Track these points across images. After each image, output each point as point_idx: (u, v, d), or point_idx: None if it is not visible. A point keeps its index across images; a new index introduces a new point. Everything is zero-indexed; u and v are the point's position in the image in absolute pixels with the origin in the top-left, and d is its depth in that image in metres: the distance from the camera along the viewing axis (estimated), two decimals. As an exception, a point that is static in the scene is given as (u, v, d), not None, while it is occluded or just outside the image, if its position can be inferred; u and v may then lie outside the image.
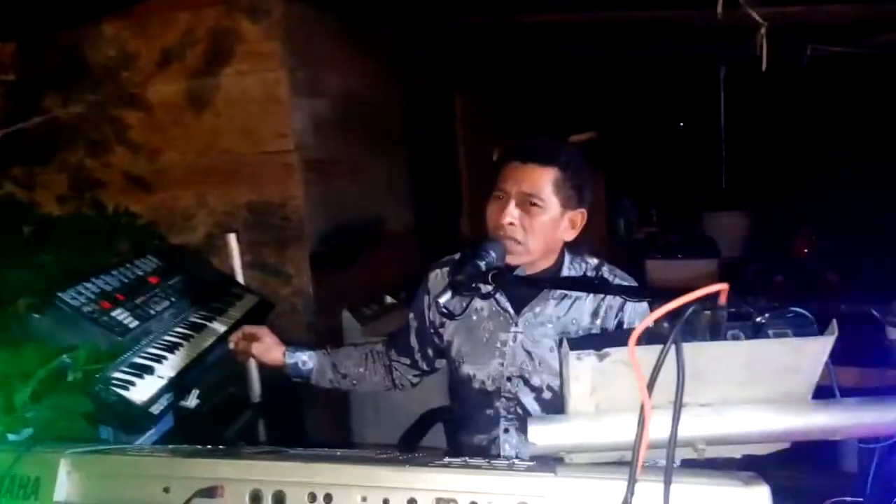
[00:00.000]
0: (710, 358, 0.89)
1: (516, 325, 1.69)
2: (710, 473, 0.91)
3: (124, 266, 2.05)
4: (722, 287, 0.83)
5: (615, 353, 0.88)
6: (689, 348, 0.86)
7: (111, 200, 3.27)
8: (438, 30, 4.43)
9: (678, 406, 0.82)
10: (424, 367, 1.92)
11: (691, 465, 1.00)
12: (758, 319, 0.88)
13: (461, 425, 1.83)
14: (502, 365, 1.70)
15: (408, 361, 1.91)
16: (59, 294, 1.70)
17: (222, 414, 2.55)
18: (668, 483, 0.83)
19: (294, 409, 3.07)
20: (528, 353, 1.68)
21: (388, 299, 3.93)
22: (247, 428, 2.64)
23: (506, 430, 1.74)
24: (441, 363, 1.92)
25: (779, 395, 0.92)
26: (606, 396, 0.94)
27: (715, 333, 0.89)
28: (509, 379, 1.70)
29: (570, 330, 1.66)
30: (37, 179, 3.62)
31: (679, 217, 7.38)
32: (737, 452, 1.00)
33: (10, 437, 1.27)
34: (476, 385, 1.74)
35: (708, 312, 0.86)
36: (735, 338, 0.88)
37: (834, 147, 5.86)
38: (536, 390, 1.68)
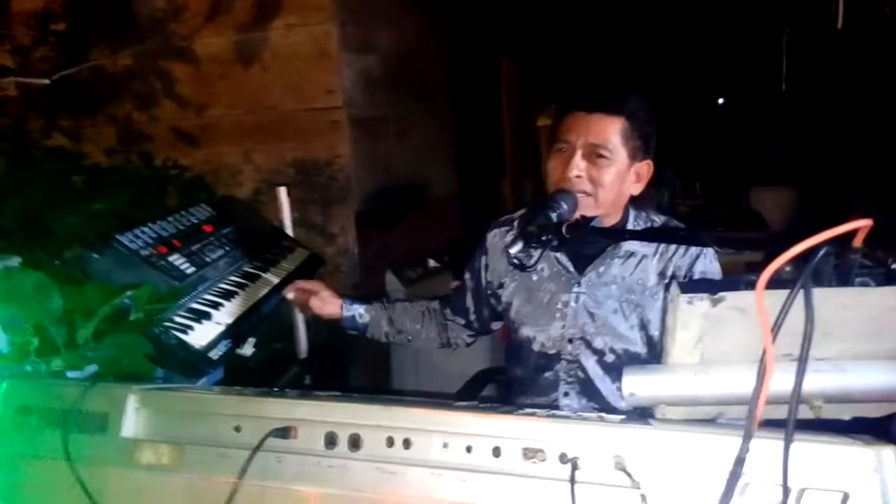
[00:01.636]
0: (835, 307, 0.81)
1: (579, 284, 1.63)
2: (828, 434, 0.83)
3: (179, 213, 2.02)
4: (865, 223, 0.75)
5: (731, 297, 0.81)
6: (815, 295, 0.78)
7: (158, 154, 3.26)
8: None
9: (805, 355, 0.74)
10: (479, 328, 1.88)
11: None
12: (892, 266, 0.79)
13: (518, 388, 1.79)
14: (563, 327, 1.64)
15: (463, 322, 1.87)
16: (118, 237, 1.68)
17: (269, 369, 2.55)
18: (788, 439, 0.76)
19: (338, 367, 3.05)
20: (591, 315, 1.61)
21: (432, 262, 3.88)
22: (292, 384, 2.63)
23: (566, 394, 1.68)
24: (496, 325, 1.87)
25: (907, 351, 0.85)
26: (713, 346, 0.86)
27: (843, 280, 0.81)
28: (570, 341, 1.64)
29: (636, 291, 1.58)
30: (84, 132, 3.62)
31: (725, 190, 7.17)
32: (847, 413, 0.92)
33: (74, 374, 1.25)
34: (536, 347, 1.69)
35: (838, 256, 0.78)
36: (864, 285, 0.80)
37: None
38: (598, 353, 1.62)
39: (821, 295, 0.79)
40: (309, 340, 2.67)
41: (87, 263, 1.57)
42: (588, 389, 1.64)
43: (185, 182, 2.99)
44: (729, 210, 6.44)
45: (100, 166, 3.07)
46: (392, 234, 3.69)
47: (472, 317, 1.85)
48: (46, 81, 2.40)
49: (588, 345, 1.63)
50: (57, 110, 3.56)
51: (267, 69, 3.38)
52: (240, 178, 3.51)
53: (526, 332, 1.70)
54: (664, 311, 0.91)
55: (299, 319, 2.62)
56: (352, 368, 3.29)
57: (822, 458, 0.80)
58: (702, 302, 0.81)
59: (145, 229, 1.79)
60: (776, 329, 0.75)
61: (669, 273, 1.59)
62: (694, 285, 0.81)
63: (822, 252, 0.74)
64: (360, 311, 1.84)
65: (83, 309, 1.24)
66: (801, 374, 0.75)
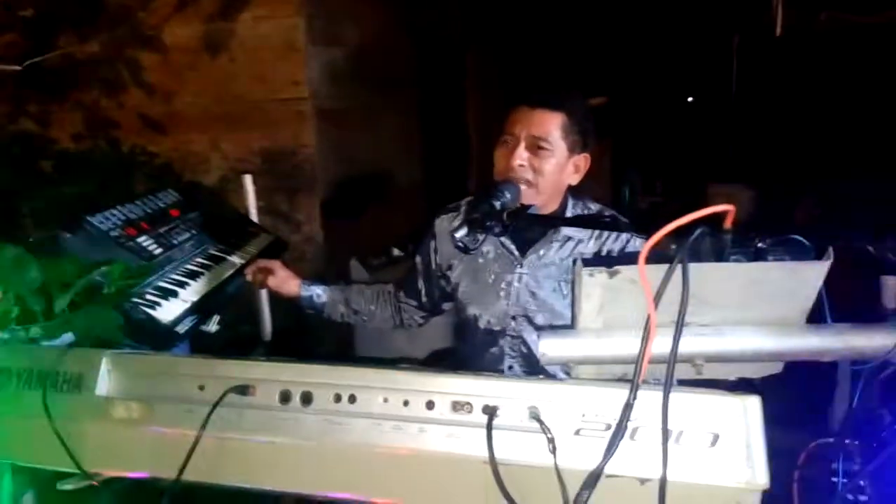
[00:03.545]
0: (713, 280, 0.96)
1: (521, 266, 1.76)
2: (705, 388, 0.99)
3: (146, 198, 2.11)
4: (728, 208, 0.90)
5: (625, 270, 0.95)
6: (694, 269, 0.93)
7: (125, 141, 3.32)
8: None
9: (681, 320, 0.89)
10: (430, 309, 2.00)
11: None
12: (759, 245, 0.95)
13: (467, 364, 1.91)
14: (507, 305, 1.77)
15: (415, 303, 1.98)
16: (89, 218, 1.77)
17: (235, 350, 2.64)
18: (667, 388, 0.90)
19: (302, 349, 3.16)
20: (532, 294, 1.75)
21: (396, 251, 3.99)
22: (257, 363, 2.72)
23: (510, 367, 1.82)
24: (447, 306, 1.99)
25: (775, 318, 1.00)
26: (614, 314, 1.01)
27: (718, 256, 0.96)
28: (514, 318, 1.77)
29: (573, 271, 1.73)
30: (52, 117, 3.65)
31: (684, 188, 7.39)
32: (732, 374, 1.08)
33: (50, 342, 1.35)
34: (482, 325, 1.82)
35: (712, 236, 0.92)
36: (737, 261, 0.95)
37: (844, 118, 5.85)
38: (540, 328, 1.75)
39: (700, 269, 0.94)
40: (273, 323, 2.77)
41: (60, 242, 1.66)
42: (530, 362, 1.78)
43: (152, 168, 3.06)
44: (686, 208, 6.65)
45: (69, 152, 3.13)
46: (357, 223, 3.79)
47: (424, 298, 1.97)
48: (17, 68, 2.46)
49: (530, 321, 1.76)
50: (24, 95, 3.59)
51: (234, 60, 3.45)
52: (207, 166, 3.58)
53: (472, 310, 1.83)
54: (572, 284, 1.05)
55: (264, 302, 2.71)
56: (316, 350, 3.39)
57: (697, 405, 0.96)
58: (601, 275, 0.96)
59: (114, 212, 1.88)
60: (658, 297, 0.90)
61: (604, 255, 1.74)
62: (595, 261, 0.95)
63: (696, 232, 0.89)
64: (317, 292, 1.95)
65: (60, 282, 1.34)
66: (677, 335, 0.90)
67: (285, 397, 1.09)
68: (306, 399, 1.08)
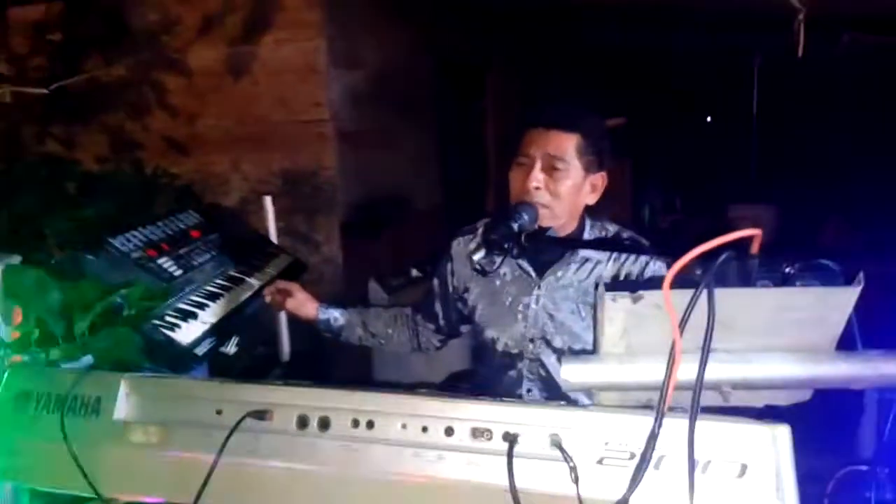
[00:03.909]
0: (739, 305, 0.94)
1: (539, 287, 1.74)
2: (732, 416, 0.96)
3: (167, 219, 2.12)
4: (755, 232, 0.88)
5: (649, 296, 0.93)
6: (720, 294, 0.90)
7: (149, 163, 3.37)
8: (474, 8, 4.45)
9: (707, 345, 0.87)
10: (448, 332, 1.98)
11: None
12: (787, 270, 0.92)
13: (485, 387, 1.89)
14: (525, 327, 1.75)
15: (433, 326, 1.97)
16: (110, 240, 1.79)
17: (253, 371, 2.64)
18: (693, 417, 0.88)
19: (320, 370, 3.15)
20: (550, 316, 1.73)
21: (414, 272, 3.99)
22: (275, 385, 2.72)
23: (528, 391, 1.79)
24: (465, 329, 1.97)
25: (804, 345, 0.97)
26: (637, 339, 0.99)
27: (745, 281, 0.93)
28: (531, 341, 1.75)
29: (591, 293, 1.70)
30: (77, 139, 3.72)
31: (704, 207, 7.35)
32: (759, 401, 1.05)
33: (71, 364, 1.35)
34: (500, 348, 1.80)
35: (739, 261, 0.90)
36: (764, 286, 0.93)
37: (865, 140, 5.80)
38: (558, 351, 1.73)
39: (725, 294, 0.92)
40: (291, 344, 2.77)
41: (81, 264, 1.67)
42: (549, 385, 1.75)
43: (174, 190, 3.10)
44: (706, 227, 6.62)
45: (92, 173, 3.17)
46: (376, 244, 3.80)
47: (442, 321, 1.95)
48: (45, 91, 2.51)
49: (548, 344, 1.74)
50: (51, 118, 3.66)
51: (256, 82, 3.51)
52: (227, 187, 3.62)
53: (490, 333, 1.81)
54: (594, 308, 1.03)
55: (283, 324, 2.72)
56: (335, 371, 3.39)
57: (724, 434, 0.93)
58: (624, 300, 0.94)
59: (135, 233, 1.89)
60: (683, 323, 0.88)
61: (622, 277, 1.72)
62: (618, 285, 0.93)
63: (722, 257, 0.87)
64: (335, 315, 1.94)
65: (80, 304, 1.35)
66: (703, 362, 0.87)
67: (303, 422, 1.08)
68: (324, 424, 1.07)
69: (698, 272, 0.92)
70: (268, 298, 1.97)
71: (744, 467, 0.91)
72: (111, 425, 1.14)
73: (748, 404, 1.05)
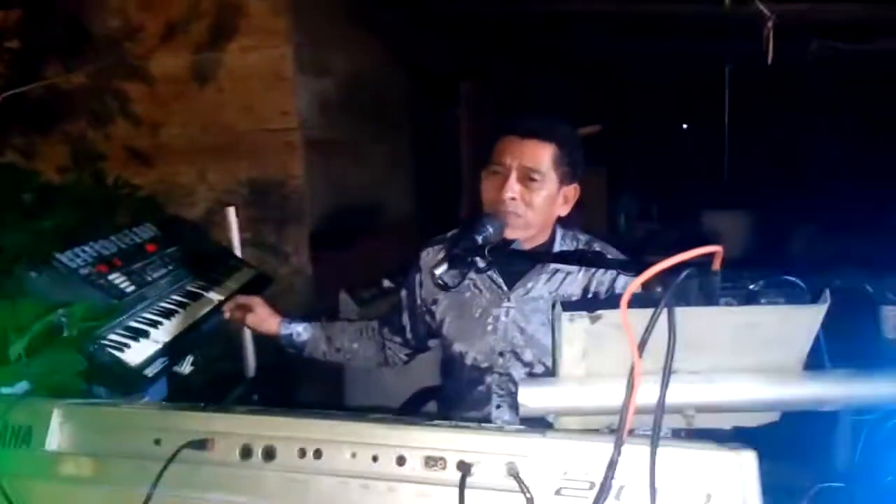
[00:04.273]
0: (702, 324, 0.89)
1: (508, 300, 1.70)
2: (697, 440, 0.91)
3: (122, 233, 2.04)
4: (715, 249, 0.83)
5: (608, 315, 0.89)
6: (682, 313, 0.86)
7: (112, 173, 3.27)
8: (446, 15, 4.42)
9: (668, 368, 0.82)
10: (416, 346, 1.93)
11: (677, 437, 1.01)
12: (751, 287, 0.88)
13: (454, 403, 1.84)
14: (494, 340, 1.71)
15: (399, 340, 1.92)
16: (57, 255, 1.70)
17: (216, 387, 2.56)
18: (654, 445, 0.83)
19: (288, 386, 3.07)
20: (520, 329, 1.68)
21: (386, 283, 3.93)
22: (240, 402, 2.64)
23: (498, 406, 1.74)
24: (433, 343, 1.92)
25: (770, 365, 0.93)
26: (598, 361, 0.94)
27: (708, 300, 0.89)
28: (501, 354, 1.71)
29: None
30: (37, 149, 3.60)
31: (680, 215, 7.38)
32: (727, 423, 1.00)
33: (5, 390, 1.27)
34: (468, 362, 1.75)
35: (701, 278, 0.86)
36: (728, 304, 0.88)
37: (836, 146, 5.86)
38: (528, 365, 1.68)
39: (687, 313, 0.87)
40: (257, 359, 2.69)
41: (25, 282, 1.59)
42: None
43: (135, 201, 3.01)
44: (681, 235, 6.63)
45: (50, 184, 3.07)
46: (346, 255, 3.73)
47: (409, 335, 1.90)
48: (-8, 99, 2.41)
49: (518, 357, 1.69)
50: (9, 127, 3.54)
51: (222, 90, 3.42)
52: (194, 198, 3.52)
53: (458, 347, 1.76)
54: (552, 328, 0.98)
55: (248, 338, 2.64)
56: (303, 386, 3.31)
57: (688, 461, 0.88)
58: (582, 320, 0.89)
59: (86, 248, 1.81)
60: (643, 344, 0.83)
61: (593, 288, 1.68)
62: (576, 305, 0.88)
63: (682, 274, 0.82)
64: (297, 330, 1.88)
65: (15, 325, 1.27)
66: (664, 384, 0.83)
67: (246, 452, 1.02)
68: (269, 454, 1.01)
69: (659, 289, 0.87)
70: (227, 315, 1.90)
71: (708, 497, 0.86)
72: (42, 457, 1.07)
73: (714, 427, 1.01)
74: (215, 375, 2.68)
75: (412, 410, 2.10)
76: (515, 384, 1.69)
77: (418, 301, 1.85)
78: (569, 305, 0.90)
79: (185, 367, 1.81)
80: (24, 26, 3.49)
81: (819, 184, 5.79)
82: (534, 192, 1.61)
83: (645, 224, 7.47)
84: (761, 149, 6.44)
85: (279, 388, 2.91)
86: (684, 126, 8.09)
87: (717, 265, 0.86)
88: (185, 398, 1.93)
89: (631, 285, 0.81)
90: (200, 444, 1.02)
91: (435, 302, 1.81)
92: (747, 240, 6.82)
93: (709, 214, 7.19)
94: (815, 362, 0.94)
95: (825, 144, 5.83)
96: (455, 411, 1.81)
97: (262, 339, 2.41)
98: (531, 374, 1.67)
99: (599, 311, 0.88)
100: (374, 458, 0.98)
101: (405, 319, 1.89)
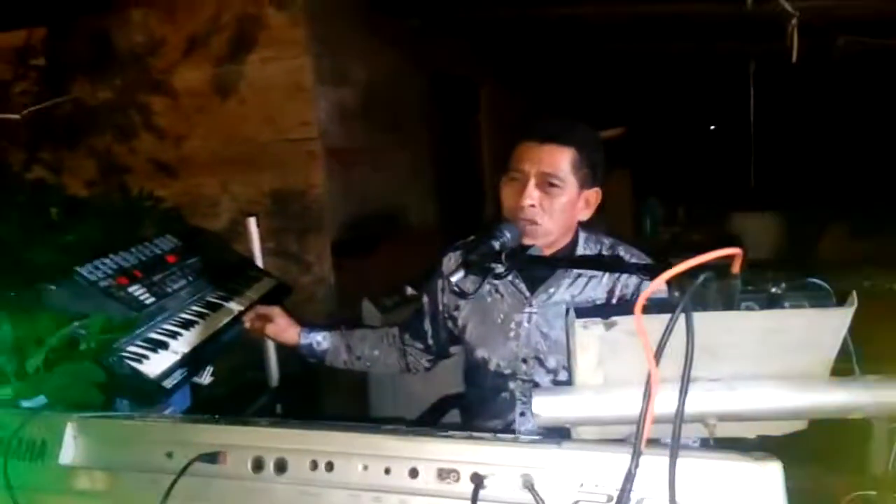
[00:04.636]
0: (723, 330, 0.86)
1: (531, 305, 1.67)
2: (719, 450, 0.88)
3: (143, 245, 2.06)
4: (735, 251, 0.80)
5: (623, 321, 0.85)
6: (700, 319, 0.83)
7: (137, 186, 3.31)
8: (465, 21, 4.41)
9: (686, 375, 0.79)
10: (437, 352, 1.90)
11: (706, 446, 0.97)
12: (773, 290, 0.84)
13: (477, 410, 1.81)
14: (517, 346, 1.68)
15: (421, 346, 1.90)
16: (77, 268, 1.72)
17: (239, 397, 2.57)
18: (673, 456, 0.80)
19: (312, 395, 3.07)
20: (543, 335, 1.65)
21: (409, 290, 3.91)
22: (263, 412, 2.65)
23: (521, 414, 1.71)
24: (455, 349, 1.90)
25: (795, 371, 0.89)
26: (615, 369, 0.91)
27: (728, 304, 0.85)
28: (524, 361, 1.67)
29: None
30: (65, 164, 3.67)
31: (706, 217, 7.26)
32: (750, 432, 0.96)
33: (24, 403, 1.28)
34: (491, 368, 1.72)
35: (721, 281, 0.83)
36: (749, 309, 0.85)
37: (865, 143, 5.71)
38: (552, 372, 1.65)
39: (706, 318, 0.84)
40: (280, 368, 2.69)
41: (44, 295, 1.60)
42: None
43: (159, 213, 3.04)
44: (708, 237, 6.53)
45: (75, 198, 3.11)
46: (368, 263, 3.72)
47: (431, 341, 1.88)
48: (17, 117, 2.45)
49: (541, 363, 1.66)
50: (38, 143, 3.61)
51: (243, 102, 3.45)
52: (217, 209, 3.55)
53: (481, 353, 1.73)
54: (567, 336, 0.95)
55: (270, 348, 2.64)
56: (329, 396, 3.30)
57: (709, 473, 0.84)
58: (596, 327, 0.86)
59: (106, 260, 1.82)
60: (659, 351, 0.80)
61: (618, 292, 1.64)
62: (591, 311, 0.85)
63: (700, 278, 0.79)
64: (317, 339, 1.87)
65: (34, 338, 1.28)
66: (683, 392, 0.79)
67: (258, 465, 1.00)
68: (280, 467, 0.99)
69: (677, 295, 0.84)
70: (247, 325, 1.90)
71: (732, 510, 0.83)
72: (56, 471, 1.07)
73: (737, 436, 0.97)
74: (239, 385, 2.68)
75: (433, 419, 2.08)
76: (540, 391, 1.67)
77: (440, 307, 1.83)
78: (583, 312, 0.87)
79: (205, 378, 1.81)
80: (50, 44, 3.56)
81: (849, 183, 5.66)
82: (554, 198, 1.58)
83: (671, 227, 7.36)
84: (789, 148, 6.31)
85: (303, 398, 2.90)
86: (711, 127, 7.98)
87: (736, 268, 0.82)
88: (208, 409, 1.94)
89: (645, 291, 0.78)
90: (212, 458, 1.01)
91: (457, 308, 1.79)
92: (776, 242, 6.68)
93: (736, 216, 7.07)
94: (843, 368, 0.90)
95: (854, 142, 5.69)
96: (478, 419, 1.79)
97: (284, 349, 2.41)
98: (555, 382, 1.64)
99: (614, 318, 0.85)
100: (387, 471, 0.96)
101: (427, 325, 1.87)
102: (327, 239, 3.46)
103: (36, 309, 1.50)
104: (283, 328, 1.86)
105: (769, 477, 0.82)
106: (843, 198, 5.72)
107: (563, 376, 1.64)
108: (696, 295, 0.81)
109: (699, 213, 7.31)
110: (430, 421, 2.06)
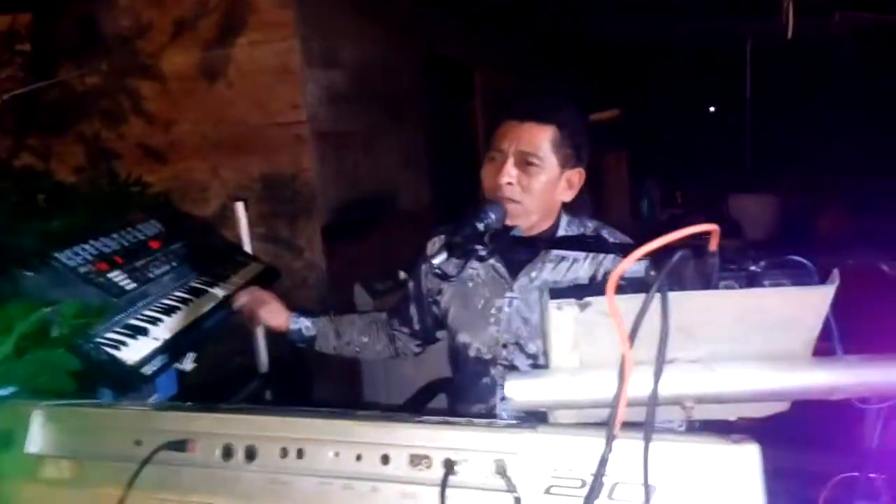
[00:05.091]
0: (701, 309, 0.83)
1: (511, 289, 1.65)
2: (696, 433, 0.85)
3: (125, 230, 2.02)
4: (711, 228, 0.77)
5: (597, 302, 0.83)
6: (677, 298, 0.80)
7: (127, 172, 3.27)
8: (458, 1, 4.35)
9: (661, 356, 0.76)
10: (424, 337, 1.89)
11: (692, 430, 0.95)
12: (752, 268, 0.81)
13: (460, 395, 1.80)
14: (498, 331, 1.66)
15: (408, 331, 1.89)
16: (55, 254, 1.69)
17: (228, 383, 2.55)
18: (647, 439, 0.77)
19: (302, 380, 3.05)
20: (524, 320, 1.63)
21: (402, 275, 3.87)
22: (252, 398, 2.63)
23: (503, 399, 1.69)
24: (441, 334, 1.88)
25: (776, 351, 0.86)
26: (591, 351, 0.88)
27: (705, 283, 0.82)
28: (504, 346, 1.66)
29: None
30: (53, 150, 3.63)
31: (704, 199, 7.22)
32: (731, 414, 0.94)
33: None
34: (472, 353, 1.71)
35: (698, 260, 0.80)
36: (728, 288, 0.82)
37: (862, 122, 5.65)
38: (532, 357, 1.63)
39: (683, 298, 0.81)
40: (270, 354, 2.67)
41: (20, 282, 1.57)
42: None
43: (147, 198, 3.00)
44: (706, 219, 6.48)
45: (62, 184, 3.08)
46: (361, 247, 3.69)
47: (417, 326, 1.86)
48: (-2, 102, 2.41)
49: (522, 349, 1.64)
50: (25, 130, 3.57)
51: (232, 85, 3.40)
52: (207, 194, 3.52)
53: (462, 338, 1.72)
54: (541, 318, 0.92)
55: (260, 333, 2.62)
56: (319, 382, 3.28)
57: (684, 456, 0.82)
58: (570, 308, 0.83)
59: (86, 246, 1.79)
60: (634, 332, 0.77)
61: (600, 276, 1.61)
62: (566, 292, 0.82)
63: (676, 256, 0.76)
64: (306, 325, 1.85)
65: (3, 327, 1.25)
66: (658, 373, 0.77)
67: (227, 452, 0.98)
68: (250, 454, 0.97)
69: (653, 274, 0.81)
70: (240, 301, 1.85)
71: (708, 493, 0.80)
72: (22, 460, 1.04)
73: (717, 418, 0.94)
74: (228, 372, 2.67)
75: (420, 404, 2.06)
76: (520, 376, 1.64)
77: (424, 291, 1.81)
78: (557, 293, 0.84)
79: (187, 365, 1.78)
80: (36, 28, 3.51)
81: (846, 162, 5.61)
82: (532, 176, 1.56)
83: (669, 209, 7.33)
84: (786, 128, 6.25)
85: (293, 384, 2.89)
86: (711, 109, 7.92)
87: (713, 245, 0.79)
88: (196, 396, 1.92)
89: (616, 269, 0.75)
90: (180, 445, 0.98)
91: (440, 292, 1.77)
92: (774, 223, 6.65)
93: (734, 198, 7.03)
94: (826, 348, 0.87)
95: (851, 120, 5.63)
96: (463, 404, 1.77)
97: (274, 335, 2.39)
98: (535, 367, 1.62)
99: (588, 299, 0.82)
100: (358, 458, 0.93)
101: (413, 310, 1.86)
102: (318, 223, 3.43)
103: (11, 296, 1.47)
104: (273, 311, 1.84)
105: (746, 459, 0.80)
106: (840, 177, 5.67)
107: (542, 361, 1.61)
108: (673, 274, 0.78)
109: (697, 195, 7.27)
110: (417, 406, 2.05)
